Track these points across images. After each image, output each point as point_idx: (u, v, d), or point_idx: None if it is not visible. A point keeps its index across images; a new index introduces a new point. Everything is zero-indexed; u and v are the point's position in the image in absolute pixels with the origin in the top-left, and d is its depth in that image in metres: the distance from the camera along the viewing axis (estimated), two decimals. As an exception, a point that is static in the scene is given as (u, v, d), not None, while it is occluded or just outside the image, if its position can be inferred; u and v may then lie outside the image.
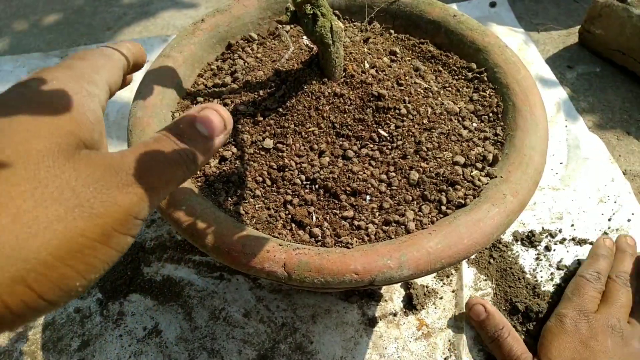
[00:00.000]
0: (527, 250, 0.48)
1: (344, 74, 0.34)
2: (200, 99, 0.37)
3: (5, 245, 0.16)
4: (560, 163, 0.55)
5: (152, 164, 0.21)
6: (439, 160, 0.32)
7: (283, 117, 0.33)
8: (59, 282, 0.17)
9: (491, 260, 0.47)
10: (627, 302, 0.41)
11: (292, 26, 0.41)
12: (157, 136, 0.22)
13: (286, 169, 0.32)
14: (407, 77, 0.36)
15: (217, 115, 0.23)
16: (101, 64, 0.26)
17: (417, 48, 0.40)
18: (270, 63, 0.38)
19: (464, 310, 0.43)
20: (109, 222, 0.19)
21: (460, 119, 0.35)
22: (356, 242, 0.29)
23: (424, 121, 0.34)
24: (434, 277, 0.46)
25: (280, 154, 0.32)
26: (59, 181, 0.18)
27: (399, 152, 0.32)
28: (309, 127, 0.33)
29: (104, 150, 0.21)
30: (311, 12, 0.30)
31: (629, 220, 0.50)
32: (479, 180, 0.32)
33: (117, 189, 0.19)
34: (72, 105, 0.21)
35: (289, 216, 0.31)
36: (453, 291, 0.45)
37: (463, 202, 0.31)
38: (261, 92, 0.35)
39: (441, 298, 0.45)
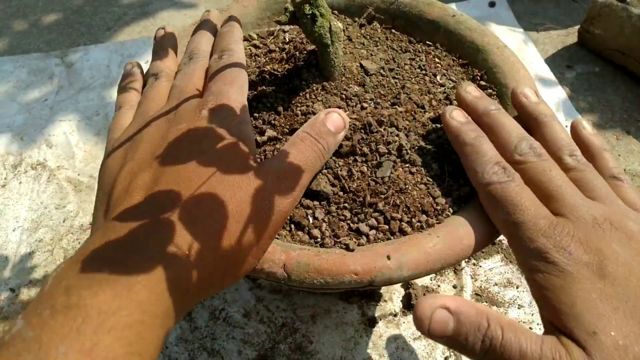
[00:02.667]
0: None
1: (343, 72, 0.34)
2: None
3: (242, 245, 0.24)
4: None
5: (306, 165, 0.27)
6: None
7: (283, 118, 0.33)
8: (248, 268, 0.26)
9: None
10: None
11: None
12: (303, 135, 0.29)
13: None
14: (407, 78, 0.36)
15: (339, 117, 0.30)
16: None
17: (413, 47, 0.40)
18: (269, 63, 0.38)
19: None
20: (278, 226, 0.27)
21: None
22: (354, 242, 0.29)
23: (423, 118, 0.34)
24: (434, 277, 0.46)
25: None
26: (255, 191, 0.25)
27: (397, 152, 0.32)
28: None
29: (265, 161, 0.28)
30: (310, 12, 0.30)
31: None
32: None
33: (282, 194, 0.26)
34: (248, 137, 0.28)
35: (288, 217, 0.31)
36: (453, 287, 0.45)
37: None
38: (256, 93, 0.35)
39: (441, 298, 0.45)
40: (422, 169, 0.32)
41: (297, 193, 0.27)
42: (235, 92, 0.30)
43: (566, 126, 0.59)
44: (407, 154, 0.32)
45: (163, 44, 0.36)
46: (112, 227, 0.23)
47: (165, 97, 0.32)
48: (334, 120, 0.30)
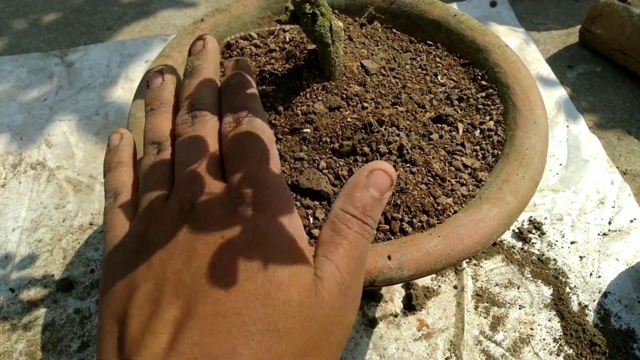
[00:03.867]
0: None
1: (344, 71, 0.34)
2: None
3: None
4: (560, 164, 0.55)
5: (361, 261, 0.22)
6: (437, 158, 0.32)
7: (283, 118, 0.33)
8: None
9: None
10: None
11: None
12: (346, 218, 0.22)
13: (285, 172, 0.32)
14: (409, 78, 0.36)
15: (385, 176, 0.24)
16: None
17: (414, 46, 0.40)
18: (270, 63, 0.38)
19: (465, 311, 0.43)
20: (346, 338, 0.22)
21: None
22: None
23: (424, 118, 0.34)
24: (435, 278, 0.46)
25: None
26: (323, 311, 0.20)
27: (397, 153, 0.32)
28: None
29: (320, 268, 0.22)
30: (310, 11, 0.30)
31: (631, 221, 0.50)
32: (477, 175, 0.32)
33: (349, 307, 0.22)
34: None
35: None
36: (454, 287, 0.45)
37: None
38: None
39: (442, 298, 0.45)
40: (423, 168, 0.31)
41: (359, 299, 0.23)
42: (275, 171, 0.23)
43: (567, 126, 0.59)
44: (408, 153, 0.31)
45: (161, 95, 0.27)
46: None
47: (166, 179, 0.24)
48: (377, 183, 0.23)
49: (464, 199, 0.31)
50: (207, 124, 0.25)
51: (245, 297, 0.19)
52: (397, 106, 0.34)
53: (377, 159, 0.31)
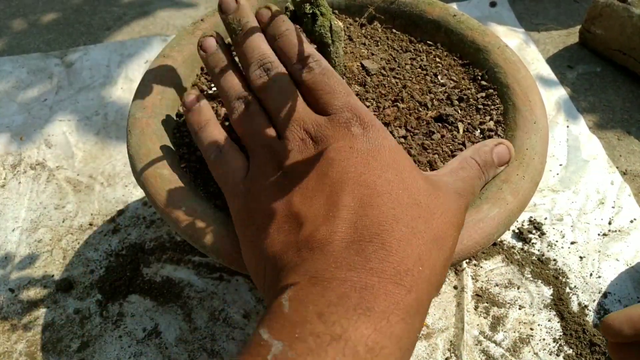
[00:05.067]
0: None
1: (344, 71, 0.34)
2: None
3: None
4: (560, 165, 0.55)
5: (473, 194, 0.28)
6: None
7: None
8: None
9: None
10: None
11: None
12: (471, 163, 0.29)
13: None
14: (410, 78, 0.36)
15: (507, 151, 0.30)
16: None
17: (414, 46, 0.40)
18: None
19: (465, 311, 0.43)
20: (456, 242, 0.26)
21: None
22: None
23: (427, 117, 0.34)
24: (434, 278, 0.46)
25: None
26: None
27: None
28: None
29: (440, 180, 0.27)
30: (310, 11, 0.30)
31: (631, 222, 0.50)
32: None
33: (462, 213, 0.26)
34: None
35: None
36: (454, 287, 0.45)
37: None
38: None
39: (442, 298, 0.45)
40: (428, 168, 0.31)
41: (466, 211, 0.28)
42: (360, 103, 0.27)
43: (567, 127, 0.59)
44: (412, 155, 0.31)
45: (225, 58, 0.31)
46: (331, 248, 0.22)
47: (267, 122, 0.28)
48: (499, 153, 0.30)
49: None
50: (282, 76, 0.28)
51: (389, 183, 0.24)
52: (398, 103, 0.34)
53: None
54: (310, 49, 0.29)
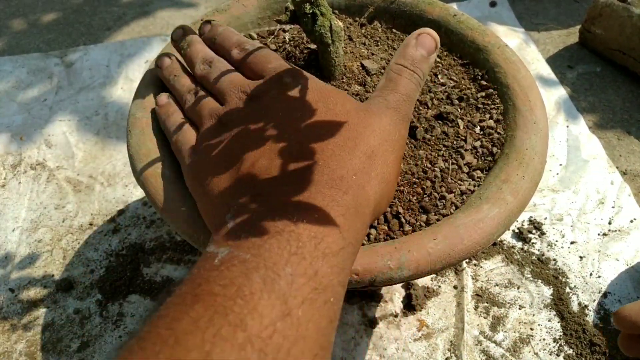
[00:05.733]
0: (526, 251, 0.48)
1: (344, 71, 0.34)
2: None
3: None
4: (560, 164, 0.55)
5: (408, 97, 0.29)
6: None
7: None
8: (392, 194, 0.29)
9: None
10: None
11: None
12: (398, 68, 0.29)
13: None
14: None
15: (430, 38, 0.30)
16: None
17: None
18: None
19: (465, 311, 0.43)
20: (404, 149, 0.29)
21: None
22: None
23: (427, 115, 0.34)
24: (435, 278, 0.46)
25: None
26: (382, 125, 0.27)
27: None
28: None
29: (371, 102, 0.29)
30: (310, 11, 0.30)
31: (631, 222, 0.50)
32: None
33: (401, 124, 0.28)
34: None
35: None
36: (454, 287, 0.45)
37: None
38: None
39: (442, 299, 0.45)
40: (429, 162, 0.31)
41: (408, 122, 0.29)
42: (292, 65, 0.30)
43: (567, 126, 0.59)
44: (413, 150, 0.31)
45: (174, 68, 0.35)
46: (268, 173, 0.24)
47: (212, 100, 0.31)
48: (424, 43, 0.30)
49: (464, 196, 0.31)
50: (220, 61, 0.32)
51: (317, 113, 0.26)
52: None
53: None
54: (244, 38, 0.34)
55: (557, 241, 0.49)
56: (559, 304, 0.44)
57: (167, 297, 0.18)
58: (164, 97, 0.34)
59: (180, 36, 0.35)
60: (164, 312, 0.17)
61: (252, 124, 0.27)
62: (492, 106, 0.36)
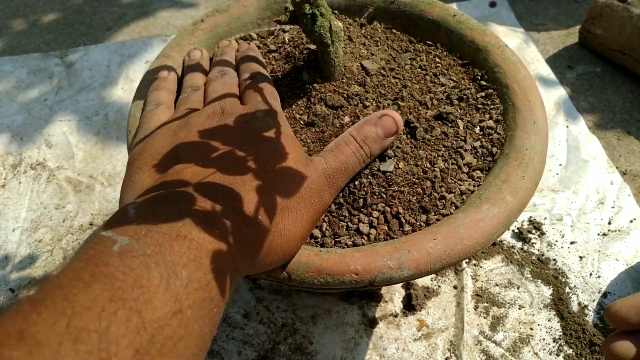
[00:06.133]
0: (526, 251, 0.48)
1: (344, 71, 0.34)
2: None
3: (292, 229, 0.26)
4: (560, 165, 0.55)
5: (346, 169, 0.29)
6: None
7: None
8: (295, 251, 0.28)
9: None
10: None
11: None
12: (348, 139, 0.30)
13: None
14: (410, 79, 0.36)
15: (392, 123, 0.30)
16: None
17: (414, 47, 0.40)
18: (270, 63, 0.38)
19: (465, 311, 0.43)
20: (320, 216, 0.29)
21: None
22: (352, 243, 0.29)
23: (427, 115, 0.34)
24: (435, 278, 0.46)
25: None
26: (309, 183, 0.28)
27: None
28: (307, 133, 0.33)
29: (314, 160, 0.29)
30: (310, 11, 0.30)
31: (631, 222, 0.50)
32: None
33: (327, 191, 0.29)
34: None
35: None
36: (454, 287, 0.45)
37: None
38: None
39: (442, 298, 0.45)
40: (428, 162, 0.32)
41: (336, 191, 0.30)
42: (279, 106, 0.32)
43: (567, 127, 0.59)
44: (411, 151, 0.31)
45: (200, 64, 0.37)
46: (186, 178, 0.25)
47: (200, 101, 0.33)
48: (385, 125, 0.30)
49: (464, 196, 0.31)
50: (230, 76, 0.34)
51: (264, 150, 0.27)
52: (399, 101, 0.34)
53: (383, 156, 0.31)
54: (263, 70, 0.35)
55: (557, 241, 0.49)
56: (559, 304, 0.44)
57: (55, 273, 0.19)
58: (164, 72, 0.36)
59: (224, 46, 0.39)
60: (58, 282, 0.18)
61: (203, 135, 0.28)
62: (492, 106, 0.36)
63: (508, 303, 0.45)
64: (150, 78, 0.37)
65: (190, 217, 0.22)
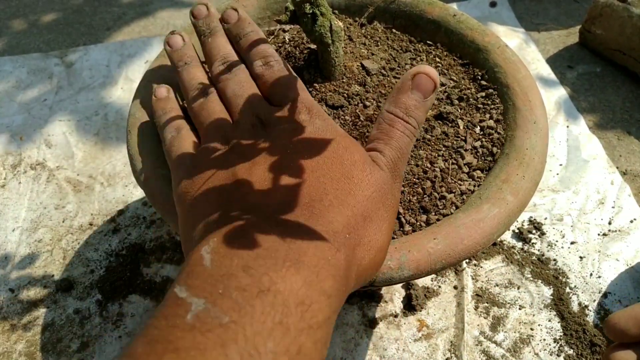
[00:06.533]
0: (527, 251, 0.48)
1: (344, 71, 0.34)
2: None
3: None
4: (560, 165, 0.55)
5: (402, 154, 0.26)
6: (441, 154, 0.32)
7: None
8: (384, 256, 0.26)
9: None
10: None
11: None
12: (390, 119, 0.27)
13: None
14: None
15: (428, 80, 0.27)
16: None
17: (414, 46, 0.40)
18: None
19: (465, 311, 0.43)
20: (396, 214, 0.27)
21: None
22: None
23: (427, 116, 0.34)
24: (435, 278, 0.46)
25: None
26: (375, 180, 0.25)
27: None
28: None
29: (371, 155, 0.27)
30: (310, 11, 0.30)
31: (631, 222, 0.50)
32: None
33: (396, 186, 0.26)
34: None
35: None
36: (454, 287, 0.45)
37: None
38: None
39: (442, 299, 0.45)
40: (428, 162, 0.31)
41: (401, 182, 0.27)
42: (311, 97, 0.29)
43: (567, 127, 0.59)
44: (413, 150, 0.31)
45: (191, 55, 0.33)
46: (261, 210, 0.22)
47: (222, 108, 0.30)
48: (420, 85, 0.26)
49: (464, 196, 0.31)
50: (241, 70, 0.31)
51: (324, 160, 0.25)
52: None
53: None
54: (271, 49, 0.31)
55: (557, 241, 0.49)
56: (559, 304, 0.44)
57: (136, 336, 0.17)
58: (163, 90, 0.33)
59: (203, 16, 0.33)
60: (130, 351, 0.16)
61: (260, 156, 0.26)
62: (492, 106, 0.36)
63: (508, 303, 0.44)
64: (149, 78, 0.37)
65: (271, 258, 0.19)
